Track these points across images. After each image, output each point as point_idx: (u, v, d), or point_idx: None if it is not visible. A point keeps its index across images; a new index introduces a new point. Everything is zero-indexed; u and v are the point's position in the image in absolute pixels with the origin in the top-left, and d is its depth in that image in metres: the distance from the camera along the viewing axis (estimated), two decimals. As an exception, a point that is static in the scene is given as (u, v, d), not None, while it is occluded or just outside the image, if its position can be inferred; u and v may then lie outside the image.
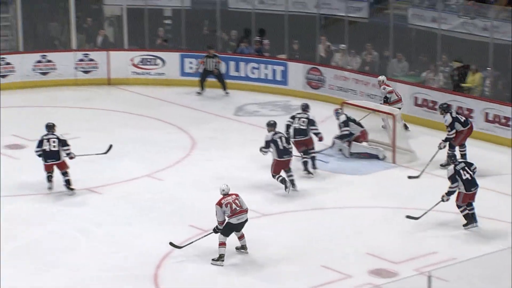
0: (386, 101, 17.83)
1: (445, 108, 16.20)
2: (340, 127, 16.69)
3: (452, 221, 14.12)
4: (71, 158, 15.05)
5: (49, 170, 15.05)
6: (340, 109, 17.10)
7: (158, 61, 21.79)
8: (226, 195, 12.69)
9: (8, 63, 21.17)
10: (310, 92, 20.49)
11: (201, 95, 20.85)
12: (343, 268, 12.70)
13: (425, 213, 13.84)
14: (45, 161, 14.97)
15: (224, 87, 20.84)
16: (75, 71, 21.62)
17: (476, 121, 17.89)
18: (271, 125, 15.16)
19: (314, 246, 13.39)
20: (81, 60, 21.66)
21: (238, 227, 12.79)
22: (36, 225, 14.04)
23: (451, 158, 14.44)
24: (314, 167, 16.05)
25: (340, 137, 16.76)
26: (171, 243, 12.89)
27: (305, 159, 15.91)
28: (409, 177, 15.65)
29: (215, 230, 12.70)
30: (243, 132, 18.59)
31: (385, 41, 20.03)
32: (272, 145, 14.99)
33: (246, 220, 12.79)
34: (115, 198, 15.09)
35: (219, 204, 12.63)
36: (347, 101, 17.96)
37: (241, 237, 12.98)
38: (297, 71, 20.96)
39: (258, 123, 18.86)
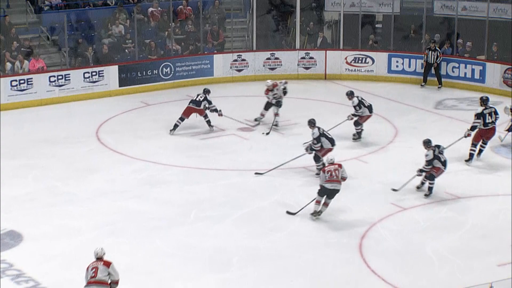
0: None
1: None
2: None
3: None
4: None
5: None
6: None
7: (369, 59, 21.59)
8: (331, 163, 12.95)
9: (243, 59, 21.73)
10: (506, 90, 19.55)
11: (424, 88, 20.55)
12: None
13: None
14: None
15: (439, 81, 20.40)
16: (297, 67, 21.85)
17: None
18: (312, 123, 14.81)
19: (505, 227, 12.80)
20: (303, 58, 21.86)
21: (331, 193, 12.91)
22: (261, 195, 14.28)
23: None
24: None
25: None
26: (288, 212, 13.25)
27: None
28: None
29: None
30: (441, 123, 18.05)
31: None
32: (322, 138, 14.62)
33: (338, 190, 12.91)
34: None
35: (323, 170, 12.99)
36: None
37: (325, 204, 12.99)
38: (494, 70, 20.11)
39: (455, 116, 18.31)
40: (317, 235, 12.75)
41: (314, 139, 14.73)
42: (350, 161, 15.68)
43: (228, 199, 14.09)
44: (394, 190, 14.03)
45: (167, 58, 21.07)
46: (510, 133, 16.10)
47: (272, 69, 21.83)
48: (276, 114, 17.51)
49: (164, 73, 20.91)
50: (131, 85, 20.35)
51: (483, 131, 15.45)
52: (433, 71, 20.63)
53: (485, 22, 20.33)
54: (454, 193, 14.02)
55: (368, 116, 16.69)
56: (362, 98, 16.66)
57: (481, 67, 20.38)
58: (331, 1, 22.28)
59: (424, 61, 20.65)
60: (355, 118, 16.65)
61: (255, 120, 17.83)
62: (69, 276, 11.45)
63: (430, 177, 13.86)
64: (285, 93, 17.69)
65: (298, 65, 21.83)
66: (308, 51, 21.90)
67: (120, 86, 20.20)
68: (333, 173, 12.96)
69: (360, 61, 21.64)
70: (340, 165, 13.10)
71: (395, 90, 20.52)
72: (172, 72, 21.00)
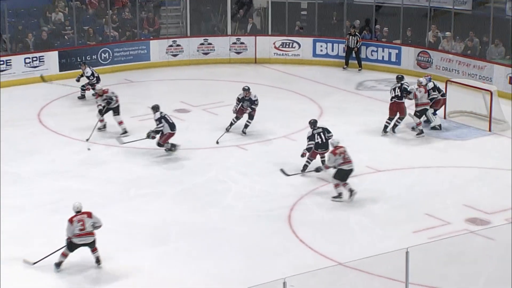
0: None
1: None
2: (429, 93, 16.03)
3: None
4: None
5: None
6: (428, 76, 16.53)
7: (295, 44, 21.65)
8: (337, 147, 12.90)
9: (178, 45, 21.53)
10: (420, 72, 19.90)
11: (345, 70, 20.70)
12: (444, 216, 12.36)
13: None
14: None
15: (359, 64, 20.62)
16: (229, 52, 21.77)
17: None
18: (155, 108, 14.64)
19: (419, 198, 13.08)
20: (234, 43, 21.77)
21: (348, 174, 12.87)
22: (198, 173, 14.24)
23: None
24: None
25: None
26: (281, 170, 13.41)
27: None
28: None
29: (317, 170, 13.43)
30: (362, 103, 18.29)
31: (485, 30, 19.23)
32: (163, 121, 14.52)
33: (353, 170, 12.86)
34: (258, 153, 15.16)
35: (334, 153, 12.90)
36: (451, 79, 17.41)
37: (344, 185, 12.95)
38: (409, 54, 20.43)
39: (375, 96, 18.55)
40: (248, 209, 12.79)
41: (155, 120, 14.51)
42: (280, 139, 15.79)
43: (166, 177, 14.01)
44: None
45: (106, 44, 20.74)
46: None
47: (206, 53, 21.70)
48: (121, 122, 15.84)
49: (103, 58, 20.57)
50: (71, 69, 19.94)
51: (394, 105, 15.72)
52: (353, 54, 20.83)
53: (400, 9, 20.57)
54: (374, 167, 14.25)
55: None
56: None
57: (397, 51, 20.65)
58: (259, -11, 22.28)
59: (346, 45, 20.84)
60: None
61: (99, 129, 15.88)
62: (14, 252, 11.22)
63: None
64: (108, 103, 15.72)
65: (230, 50, 21.74)
66: (239, 37, 21.83)
67: (60, 71, 19.78)
68: (346, 155, 12.86)
69: (287, 46, 21.69)
70: (345, 150, 12.95)
71: (319, 72, 20.65)
72: (111, 57, 20.68)
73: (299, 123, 16.56)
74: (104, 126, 16.02)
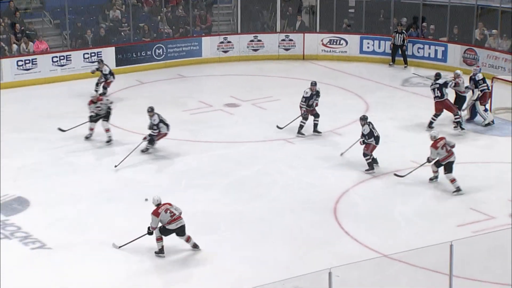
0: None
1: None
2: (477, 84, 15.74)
3: None
4: None
5: None
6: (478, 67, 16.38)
7: (342, 41, 21.49)
8: (437, 140, 12.88)
9: (229, 41, 21.56)
10: (466, 69, 19.53)
11: (392, 67, 20.42)
12: (488, 211, 12.13)
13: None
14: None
15: (405, 61, 20.35)
16: (278, 49, 21.72)
17: None
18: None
19: (465, 193, 12.86)
20: (283, 40, 21.72)
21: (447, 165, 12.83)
22: (245, 165, 14.25)
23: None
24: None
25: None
26: None
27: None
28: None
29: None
30: (408, 99, 18.06)
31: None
32: (161, 124, 14.26)
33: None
34: (305, 147, 15.09)
35: (435, 147, 12.82)
36: (497, 76, 17.07)
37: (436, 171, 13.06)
38: (455, 51, 20.08)
39: (420, 92, 18.30)
40: (295, 201, 12.75)
41: (154, 125, 14.22)
42: (326, 133, 15.69)
43: (215, 168, 14.06)
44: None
45: (160, 40, 20.89)
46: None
47: (255, 50, 21.68)
48: (107, 130, 15.05)
49: (157, 54, 20.74)
50: (127, 65, 20.18)
51: (437, 104, 15.50)
52: (400, 51, 20.58)
53: (447, 6, 20.26)
54: (419, 162, 14.05)
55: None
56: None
57: (443, 48, 20.34)
58: (307, -13, 22.19)
59: (392, 43, 20.59)
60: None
61: (86, 138, 15.10)
62: (71, 238, 11.41)
63: (364, 155, 13.66)
64: (108, 112, 15.02)
65: (278, 46, 21.69)
66: (288, 34, 21.76)
67: (116, 66, 20.01)
68: (447, 147, 12.80)
69: (334, 43, 21.53)
70: (444, 138, 13.03)
71: (366, 69, 20.46)
72: (164, 53, 20.83)
73: (346, 118, 16.46)
74: (91, 135, 15.12)
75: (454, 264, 8.55)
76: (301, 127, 15.47)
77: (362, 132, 13.66)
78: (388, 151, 14.33)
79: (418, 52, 20.69)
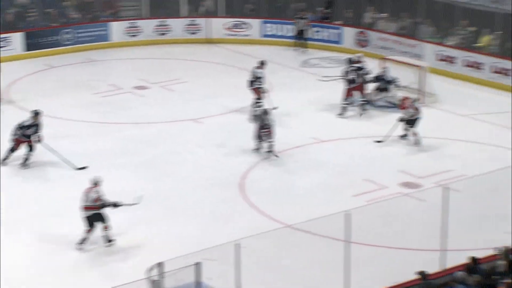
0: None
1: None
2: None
3: (465, 148, 13.74)
4: None
5: None
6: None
7: (245, 25, 21.50)
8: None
9: (136, 26, 21.16)
10: (359, 50, 19.95)
11: (292, 49, 20.45)
12: (381, 181, 12.49)
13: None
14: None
15: (305, 44, 20.45)
16: (184, 33, 21.50)
17: (485, 72, 17.40)
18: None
19: (359, 165, 13.19)
20: (189, 24, 21.51)
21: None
22: (154, 145, 14.08)
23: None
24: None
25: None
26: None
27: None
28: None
29: None
30: (306, 79, 18.29)
31: (418, 11, 19.37)
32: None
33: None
34: (213, 126, 15.06)
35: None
36: (386, 56, 17.54)
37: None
38: (349, 33, 20.44)
39: (318, 73, 18.56)
40: (204, 178, 12.71)
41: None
42: (232, 113, 15.68)
43: (126, 149, 13.82)
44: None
45: (68, 25, 20.28)
46: None
47: (163, 34, 21.38)
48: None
49: (65, 39, 20.11)
50: (36, 49, 19.47)
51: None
52: (302, 36, 20.68)
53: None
54: (318, 138, 14.30)
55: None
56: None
57: (339, 31, 20.69)
58: (212, -25, 22.01)
59: (295, 27, 20.66)
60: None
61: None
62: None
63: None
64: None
65: (185, 30, 21.48)
66: (194, 19, 21.56)
67: (27, 50, 19.28)
68: (412, 105, 13.76)
69: (238, 27, 21.51)
70: (408, 97, 14.20)
71: (268, 51, 20.52)
72: (73, 38, 20.24)
73: (250, 98, 16.50)
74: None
75: (352, 231, 8.75)
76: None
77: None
78: (290, 129, 14.48)
79: (316, 35, 20.96)
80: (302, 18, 20.57)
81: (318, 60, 19.84)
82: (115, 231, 10.72)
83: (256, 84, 15.10)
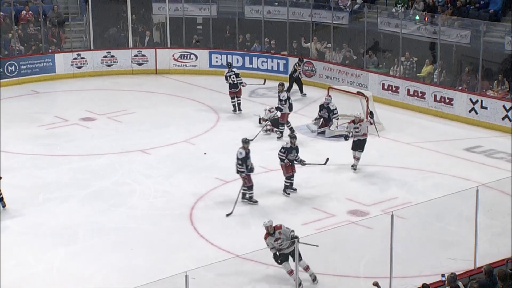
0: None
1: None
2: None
3: (410, 176, 14.06)
4: None
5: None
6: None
7: (193, 56, 21.63)
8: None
9: (82, 58, 21.05)
10: (305, 80, 20.29)
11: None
12: (329, 209, 12.65)
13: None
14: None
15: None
16: (131, 64, 21.48)
17: (428, 101, 17.84)
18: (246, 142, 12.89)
19: (309, 193, 13.32)
20: (136, 55, 21.51)
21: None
22: (103, 176, 13.98)
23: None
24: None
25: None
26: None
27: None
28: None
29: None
30: (254, 108, 18.43)
31: (360, 42, 19.85)
32: None
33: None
34: (161, 157, 15.04)
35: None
36: (332, 86, 17.86)
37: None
38: (295, 63, 20.71)
39: (266, 102, 18.74)
40: (153, 209, 12.66)
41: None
42: (180, 143, 15.71)
43: (73, 181, 13.67)
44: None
45: (12, 57, 20.03)
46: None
47: (109, 65, 21.31)
48: None
49: (9, 70, 19.86)
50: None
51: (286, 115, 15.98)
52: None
53: (286, 23, 20.92)
54: (266, 167, 14.41)
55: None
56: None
57: (284, 61, 20.99)
58: (158, 6, 22.07)
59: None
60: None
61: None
62: None
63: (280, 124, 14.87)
64: None
65: (132, 61, 21.47)
66: (140, 49, 21.58)
67: (-33, 83, 18.97)
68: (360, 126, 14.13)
69: (185, 58, 21.62)
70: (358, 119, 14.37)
71: (215, 82, 20.67)
72: (17, 70, 20.00)
73: (199, 128, 16.58)
74: None
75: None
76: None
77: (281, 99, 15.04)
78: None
79: (262, 65, 21.21)
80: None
81: (266, 90, 20.08)
82: (59, 265, 10.56)
83: (281, 156, 13.44)
